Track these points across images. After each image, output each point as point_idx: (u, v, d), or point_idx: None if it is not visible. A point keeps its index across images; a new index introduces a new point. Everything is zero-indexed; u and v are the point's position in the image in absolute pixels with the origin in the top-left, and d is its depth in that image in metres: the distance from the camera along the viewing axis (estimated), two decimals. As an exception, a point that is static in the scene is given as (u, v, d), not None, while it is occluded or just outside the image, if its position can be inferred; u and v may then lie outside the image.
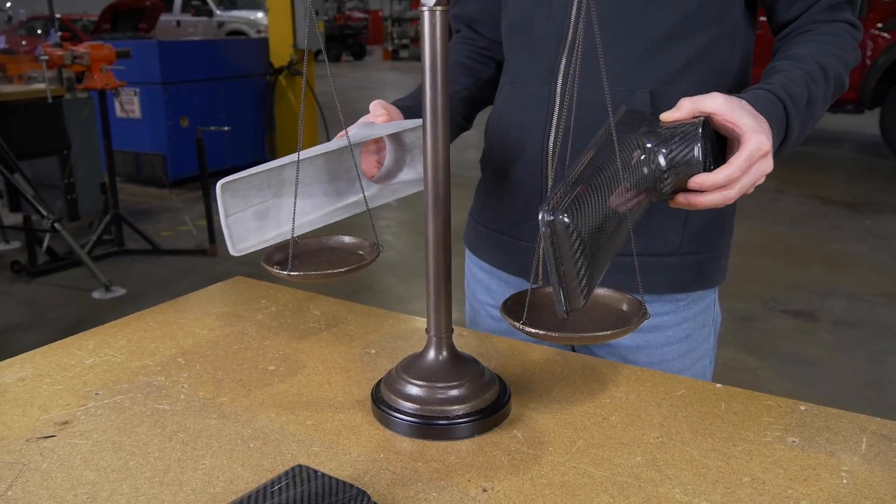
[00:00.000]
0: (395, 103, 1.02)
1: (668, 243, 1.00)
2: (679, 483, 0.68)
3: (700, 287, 1.04)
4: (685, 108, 0.77)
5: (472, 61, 1.16)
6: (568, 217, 0.66)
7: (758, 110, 0.79)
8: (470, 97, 1.14)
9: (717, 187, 0.75)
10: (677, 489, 0.67)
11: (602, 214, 0.69)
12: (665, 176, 0.75)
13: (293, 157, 0.83)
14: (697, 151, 0.74)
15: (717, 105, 0.77)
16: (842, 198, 5.60)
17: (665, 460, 0.71)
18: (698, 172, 0.74)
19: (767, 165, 0.77)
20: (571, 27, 0.97)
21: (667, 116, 0.77)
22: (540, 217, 0.66)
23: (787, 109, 0.84)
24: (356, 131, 0.91)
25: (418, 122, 0.91)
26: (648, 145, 0.75)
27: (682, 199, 0.77)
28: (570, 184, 0.69)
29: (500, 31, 1.13)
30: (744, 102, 0.79)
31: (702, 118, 0.76)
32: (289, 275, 0.79)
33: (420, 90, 1.11)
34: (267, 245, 0.85)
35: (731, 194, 0.75)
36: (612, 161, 0.72)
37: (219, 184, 0.80)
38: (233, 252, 0.83)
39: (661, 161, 0.74)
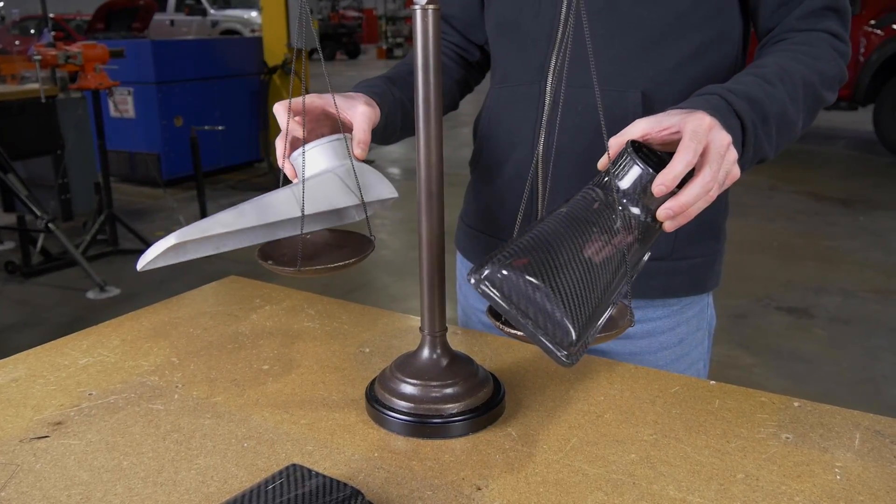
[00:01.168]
0: (380, 103, 0.95)
1: (659, 247, 0.98)
2: (673, 480, 0.68)
3: (693, 292, 1.03)
4: (613, 146, 0.73)
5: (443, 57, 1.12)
6: (501, 268, 0.62)
7: (687, 108, 0.76)
8: None
9: (680, 176, 0.69)
10: (671, 486, 0.67)
11: (565, 258, 0.64)
12: (634, 209, 0.70)
13: (248, 220, 0.77)
14: (639, 165, 0.70)
15: (642, 126, 0.73)
16: (835, 194, 5.62)
17: (659, 457, 0.71)
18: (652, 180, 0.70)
19: (722, 136, 0.72)
20: (561, 24, 0.96)
21: (601, 163, 0.73)
22: (471, 282, 0.62)
23: (726, 98, 0.79)
24: (326, 149, 0.86)
25: (388, 194, 0.88)
26: (611, 198, 0.71)
27: (665, 211, 0.71)
28: (507, 245, 0.65)
29: (475, 29, 1.11)
30: (669, 110, 0.76)
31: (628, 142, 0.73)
32: (299, 270, 0.77)
33: (396, 70, 1.08)
34: (172, 261, 0.77)
35: (706, 179, 0.70)
36: (562, 215, 0.68)
37: (172, 238, 0.73)
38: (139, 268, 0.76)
39: (619, 197, 0.70)
